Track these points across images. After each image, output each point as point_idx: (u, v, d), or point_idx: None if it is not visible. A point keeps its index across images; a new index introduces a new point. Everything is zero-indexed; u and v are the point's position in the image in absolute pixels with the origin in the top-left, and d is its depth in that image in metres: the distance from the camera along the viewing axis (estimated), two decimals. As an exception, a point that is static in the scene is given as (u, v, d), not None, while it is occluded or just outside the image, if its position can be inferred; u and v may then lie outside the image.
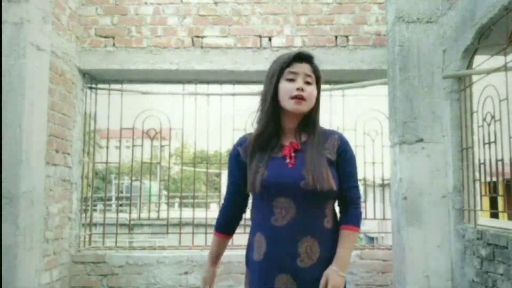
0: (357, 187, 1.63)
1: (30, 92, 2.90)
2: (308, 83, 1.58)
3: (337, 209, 1.66)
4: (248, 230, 5.25)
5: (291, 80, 1.57)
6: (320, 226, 1.53)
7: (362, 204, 1.69)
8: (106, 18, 4.44)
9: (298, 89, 1.54)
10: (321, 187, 1.48)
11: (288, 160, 1.55)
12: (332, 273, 1.50)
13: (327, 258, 1.53)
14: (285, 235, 1.51)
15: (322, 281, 1.50)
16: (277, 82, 1.58)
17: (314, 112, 1.62)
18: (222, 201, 1.75)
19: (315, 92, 1.60)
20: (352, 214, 1.59)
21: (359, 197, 1.63)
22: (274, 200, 1.52)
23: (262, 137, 1.59)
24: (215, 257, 1.81)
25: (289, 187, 1.50)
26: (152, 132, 4.67)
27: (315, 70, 1.62)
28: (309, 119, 1.62)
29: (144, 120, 4.63)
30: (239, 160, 1.64)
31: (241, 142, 1.68)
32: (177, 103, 4.61)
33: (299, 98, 1.54)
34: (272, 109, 1.59)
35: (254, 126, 1.65)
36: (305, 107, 1.57)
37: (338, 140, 1.62)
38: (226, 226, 1.76)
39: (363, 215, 1.70)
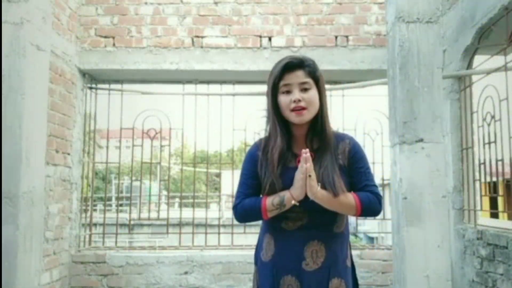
0: (375, 186, 1.59)
1: (30, 92, 2.90)
2: (305, 89, 1.55)
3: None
4: (248, 230, 5.21)
5: (288, 92, 1.55)
6: (328, 231, 1.55)
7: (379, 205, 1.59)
8: (106, 18, 4.44)
9: (294, 101, 1.52)
10: (334, 195, 1.48)
11: None
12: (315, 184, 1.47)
13: (334, 263, 1.54)
14: (294, 239, 1.54)
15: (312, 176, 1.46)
16: (275, 97, 1.57)
17: (320, 116, 1.58)
18: (233, 204, 1.65)
19: (315, 97, 1.56)
20: (364, 194, 1.55)
21: (378, 193, 1.58)
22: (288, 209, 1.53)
23: (280, 151, 1.55)
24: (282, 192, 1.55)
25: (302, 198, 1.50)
26: (152, 132, 4.67)
27: (311, 72, 1.57)
28: (318, 124, 1.59)
29: (144, 120, 4.63)
30: (258, 164, 1.60)
31: (259, 146, 1.63)
32: (177, 103, 4.61)
33: (298, 110, 1.53)
34: (279, 122, 1.58)
35: (265, 133, 1.64)
36: (307, 116, 1.55)
37: (349, 144, 1.61)
38: (259, 197, 1.59)
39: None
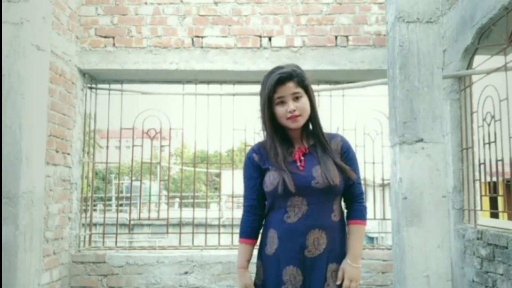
0: (360, 184, 1.83)
1: (30, 92, 2.89)
2: (297, 98, 1.74)
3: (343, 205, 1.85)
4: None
5: (282, 103, 1.74)
6: (328, 220, 1.72)
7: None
8: (106, 18, 4.44)
9: (290, 111, 1.72)
10: (332, 183, 1.68)
11: (298, 163, 1.75)
12: (347, 266, 1.71)
13: (333, 249, 1.72)
14: (296, 231, 1.70)
15: (340, 274, 1.71)
16: (271, 108, 1.75)
17: (312, 117, 1.80)
18: (243, 209, 1.85)
19: (306, 103, 1.75)
20: (357, 209, 1.80)
21: (362, 193, 1.82)
22: (289, 199, 1.70)
23: (275, 150, 1.77)
24: (247, 262, 1.84)
25: (302, 187, 1.69)
26: (152, 132, 4.67)
27: (300, 82, 1.73)
28: (311, 124, 1.81)
29: (144, 120, 4.63)
30: (256, 166, 1.80)
31: (255, 149, 1.84)
32: (177, 103, 4.61)
33: (294, 117, 1.73)
34: (275, 128, 1.78)
35: (263, 135, 1.83)
36: (302, 121, 1.75)
37: (340, 142, 1.83)
38: (251, 232, 1.83)
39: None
